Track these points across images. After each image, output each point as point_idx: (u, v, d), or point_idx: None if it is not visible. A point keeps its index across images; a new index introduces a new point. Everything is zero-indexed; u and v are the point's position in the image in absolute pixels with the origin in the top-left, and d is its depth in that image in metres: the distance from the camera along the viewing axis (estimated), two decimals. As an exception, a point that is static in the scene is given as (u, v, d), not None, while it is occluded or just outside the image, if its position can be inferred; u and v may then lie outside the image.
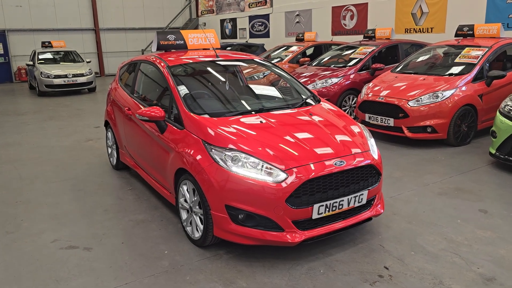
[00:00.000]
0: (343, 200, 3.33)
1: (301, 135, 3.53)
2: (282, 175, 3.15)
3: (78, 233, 3.94)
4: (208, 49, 5.48)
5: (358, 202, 3.45)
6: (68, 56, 16.05)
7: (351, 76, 8.47)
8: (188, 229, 3.71)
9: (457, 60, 7.00)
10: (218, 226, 3.32)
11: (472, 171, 5.34)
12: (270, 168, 3.18)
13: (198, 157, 3.41)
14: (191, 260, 3.41)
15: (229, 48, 15.64)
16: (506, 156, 5.21)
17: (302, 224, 3.24)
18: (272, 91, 4.72)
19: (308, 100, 4.32)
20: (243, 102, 4.23)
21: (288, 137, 3.48)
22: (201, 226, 3.48)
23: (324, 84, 8.33)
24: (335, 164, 3.30)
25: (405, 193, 4.69)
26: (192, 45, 5.28)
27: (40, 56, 15.35)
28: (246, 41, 16.80)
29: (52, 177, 5.59)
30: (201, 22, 22.57)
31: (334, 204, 3.29)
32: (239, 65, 5.00)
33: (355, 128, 3.86)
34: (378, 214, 3.64)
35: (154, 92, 4.66)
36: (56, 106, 12.16)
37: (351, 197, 3.38)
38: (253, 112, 3.89)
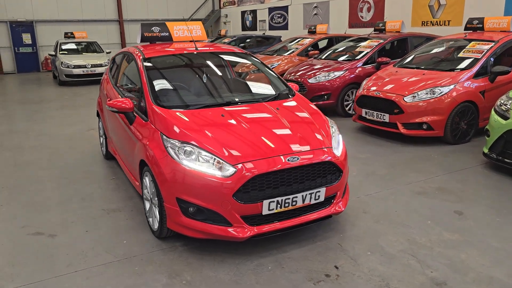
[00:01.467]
0: (296, 197, 3.27)
1: (259, 130, 3.49)
2: (231, 170, 3.13)
3: (49, 220, 4.05)
4: (196, 41, 5.50)
5: (315, 200, 3.38)
6: (90, 47, 16.42)
7: (355, 70, 8.28)
8: (150, 220, 3.74)
9: (460, 54, 6.72)
10: (170, 219, 3.33)
11: (461, 171, 5.13)
12: (221, 163, 3.17)
13: (156, 149, 3.43)
14: (146, 251, 3.45)
15: (248, 40, 15.63)
16: (498, 156, 4.98)
17: (252, 219, 3.21)
18: (247, 85, 4.68)
19: (282, 94, 4.26)
20: (212, 95, 4.22)
21: (244, 132, 3.45)
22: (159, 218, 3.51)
23: (327, 77, 8.19)
24: (288, 160, 3.24)
25: (383, 192, 4.56)
26: (178, 37, 5.29)
27: (63, 47, 15.79)
28: (263, 33, 16.71)
29: (44, 165, 5.77)
30: (223, 14, 22.59)
31: (287, 201, 3.24)
32: (221, 57, 4.96)
33: (321, 124, 3.77)
34: (338, 212, 3.56)
35: (132, 83, 4.70)
36: (72, 95, 12.51)
37: (306, 194, 3.31)
38: (218, 106, 3.87)
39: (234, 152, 3.22)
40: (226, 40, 15.13)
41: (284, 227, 3.30)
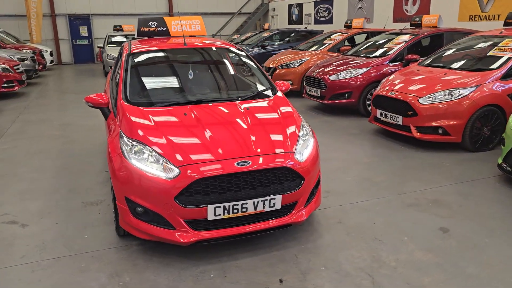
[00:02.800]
0: (246, 203, 3.10)
1: (216, 132, 3.35)
2: (175, 172, 3.02)
3: (29, 210, 4.18)
4: (194, 36, 5.44)
5: (270, 207, 3.19)
6: (136, 40, 16.93)
7: (382, 68, 7.80)
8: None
9: (490, 53, 6.08)
10: (122, 218, 3.30)
11: (470, 182, 4.64)
12: (167, 163, 3.07)
13: (113, 145, 3.41)
14: (101, 248, 3.44)
15: (292, 35, 15.34)
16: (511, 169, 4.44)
17: (198, 224, 3.09)
18: (229, 82, 4.52)
19: (261, 93, 4.08)
20: (185, 92, 4.12)
21: (200, 133, 3.32)
22: (118, 215, 3.50)
23: (348, 75, 7.80)
24: (238, 164, 3.07)
25: (371, 201, 4.23)
26: (176, 32, 5.25)
27: (112, 39, 16.43)
28: (305, 27, 16.31)
29: (52, 154, 6.00)
30: (271, 7, 22.38)
31: (235, 207, 3.08)
32: (209, 53, 4.84)
33: (289, 126, 3.55)
34: (297, 222, 3.33)
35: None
36: (112, 86, 12.97)
37: (259, 201, 3.13)
38: (187, 104, 3.77)
39: (182, 154, 3.11)
40: (265, 34, 14.96)
41: (233, 234, 3.14)
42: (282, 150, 3.27)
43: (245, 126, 3.44)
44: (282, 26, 20.85)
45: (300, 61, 10.08)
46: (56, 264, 3.22)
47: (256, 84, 4.32)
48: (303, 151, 3.40)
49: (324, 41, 10.75)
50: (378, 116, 6.41)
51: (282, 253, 3.31)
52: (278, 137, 3.39)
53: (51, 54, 18.22)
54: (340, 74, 7.86)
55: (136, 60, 4.36)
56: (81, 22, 21.16)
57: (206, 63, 4.66)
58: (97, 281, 3.00)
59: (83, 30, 21.31)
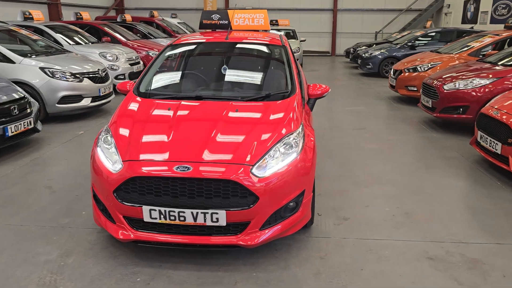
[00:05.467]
0: (184, 212, 2.84)
1: (182, 132, 3.19)
2: (120, 166, 2.96)
3: (69, 178, 4.66)
4: (258, 31, 5.25)
5: (213, 221, 2.86)
6: (289, 34, 17.25)
7: (515, 80, 6.17)
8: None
9: None
10: (94, 202, 3.41)
11: (552, 248, 3.31)
12: (118, 157, 3.04)
13: (99, 132, 3.54)
14: (83, 226, 3.62)
15: (464, 35, 13.46)
16: None
17: (137, 223, 2.98)
18: (245, 80, 4.15)
19: (274, 95, 3.67)
20: (193, 87, 3.97)
21: (165, 131, 3.20)
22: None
23: (469, 85, 6.40)
24: (177, 168, 2.82)
25: (386, 241, 3.41)
26: (237, 25, 5.13)
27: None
28: (471, 27, 14.01)
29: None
30: (445, 4, 19.94)
31: (172, 213, 2.86)
32: (248, 49, 4.57)
33: (266, 137, 3.09)
34: (247, 245, 2.89)
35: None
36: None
37: (199, 212, 2.83)
38: (185, 99, 3.65)
39: (134, 149, 3.04)
40: (417, 33, 13.45)
41: (169, 242, 2.93)
42: (238, 162, 2.88)
43: (214, 130, 3.14)
44: (455, 25, 18.40)
45: (431, 65, 8.74)
46: (36, 232, 3.52)
47: (277, 85, 3.91)
48: (272, 166, 2.93)
49: (469, 44, 9.05)
50: (479, 139, 5.10)
51: (226, 276, 2.94)
52: (243, 146, 2.99)
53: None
54: (459, 83, 6.51)
55: (170, 52, 4.41)
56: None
57: (238, 59, 4.43)
58: (47, 256, 3.17)
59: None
